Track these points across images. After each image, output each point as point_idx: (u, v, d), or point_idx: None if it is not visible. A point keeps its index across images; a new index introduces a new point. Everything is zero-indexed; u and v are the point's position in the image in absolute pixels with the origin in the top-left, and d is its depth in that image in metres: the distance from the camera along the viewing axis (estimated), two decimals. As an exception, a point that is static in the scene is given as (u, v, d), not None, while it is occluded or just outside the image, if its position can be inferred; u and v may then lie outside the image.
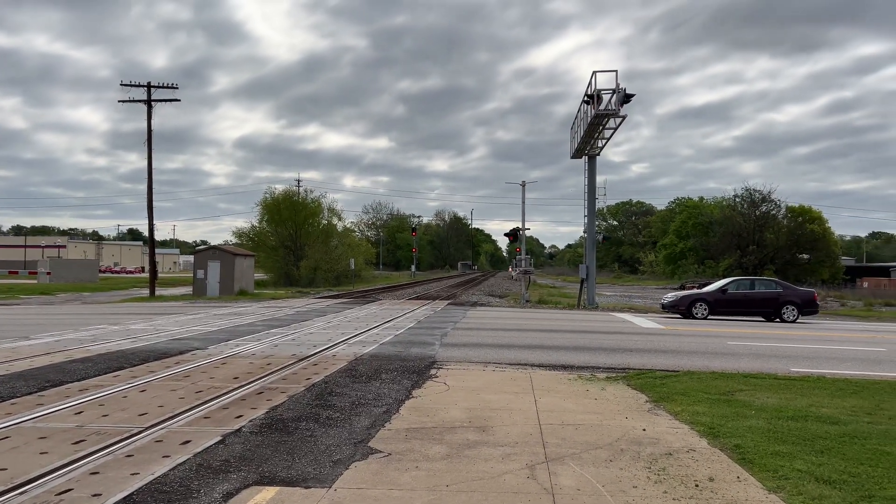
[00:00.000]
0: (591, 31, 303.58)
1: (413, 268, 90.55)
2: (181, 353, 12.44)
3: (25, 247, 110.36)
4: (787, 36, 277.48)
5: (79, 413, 7.38)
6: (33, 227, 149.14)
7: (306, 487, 5.07)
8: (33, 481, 5.08)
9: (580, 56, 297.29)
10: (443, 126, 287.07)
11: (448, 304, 30.29)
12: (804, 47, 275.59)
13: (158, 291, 38.25)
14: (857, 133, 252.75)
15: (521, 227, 35.33)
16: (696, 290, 27.12)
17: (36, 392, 8.55)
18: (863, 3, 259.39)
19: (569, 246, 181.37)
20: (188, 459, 5.68)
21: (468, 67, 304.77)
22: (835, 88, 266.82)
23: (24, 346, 13.28)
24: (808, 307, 23.89)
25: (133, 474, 5.28)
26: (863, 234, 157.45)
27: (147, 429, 6.66)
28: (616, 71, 26.65)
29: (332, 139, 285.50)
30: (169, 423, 6.94)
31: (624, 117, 26.52)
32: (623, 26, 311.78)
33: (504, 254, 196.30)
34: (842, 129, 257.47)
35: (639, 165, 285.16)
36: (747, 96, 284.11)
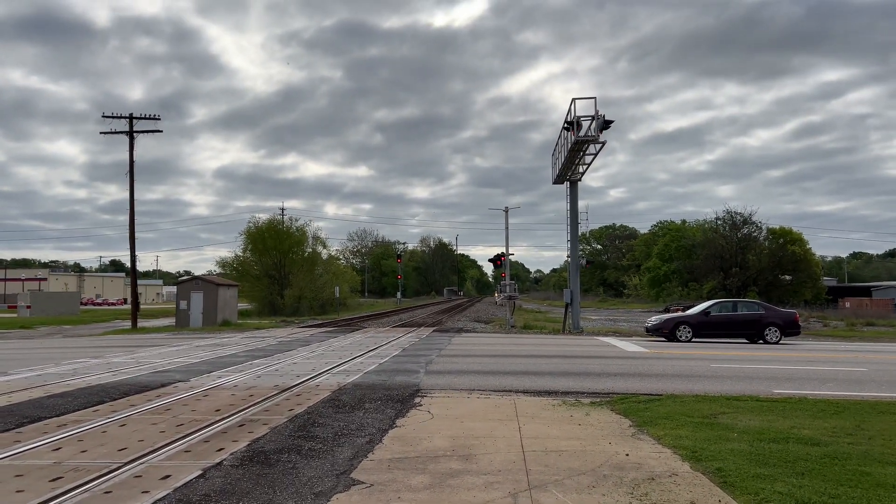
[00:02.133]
0: (561, 62, 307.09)
1: (399, 295, 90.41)
2: (163, 385, 12.31)
3: (5, 280, 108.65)
4: (752, 63, 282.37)
5: (57, 449, 7.27)
6: (13, 260, 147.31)
7: (287, 521, 5.03)
8: (8, 521, 5.00)
9: (552, 85, 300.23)
10: (421, 154, 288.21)
11: (433, 330, 30.22)
12: (769, 74, 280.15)
13: (141, 323, 37.88)
14: (827, 156, 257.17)
15: (505, 252, 35.46)
16: (679, 313, 27.26)
17: (13, 429, 8.42)
18: (821, 32, 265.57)
19: (554, 270, 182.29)
20: (168, 494, 5.62)
21: (444, 97, 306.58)
22: (802, 113, 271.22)
23: (1, 381, 13.08)
24: (790, 328, 24.10)
25: (111, 511, 5.21)
26: (843, 254, 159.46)
27: (126, 464, 6.58)
28: (595, 98, 27.03)
29: (312, 168, 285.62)
30: (149, 457, 6.85)
31: (604, 143, 26.83)
32: (592, 56, 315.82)
33: (490, 279, 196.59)
34: (812, 152, 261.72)
35: (617, 190, 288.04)
36: (718, 122, 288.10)
